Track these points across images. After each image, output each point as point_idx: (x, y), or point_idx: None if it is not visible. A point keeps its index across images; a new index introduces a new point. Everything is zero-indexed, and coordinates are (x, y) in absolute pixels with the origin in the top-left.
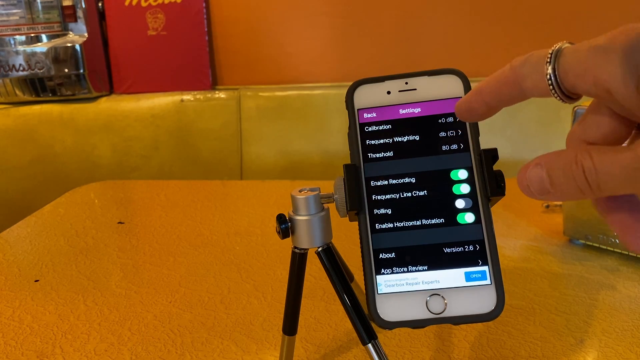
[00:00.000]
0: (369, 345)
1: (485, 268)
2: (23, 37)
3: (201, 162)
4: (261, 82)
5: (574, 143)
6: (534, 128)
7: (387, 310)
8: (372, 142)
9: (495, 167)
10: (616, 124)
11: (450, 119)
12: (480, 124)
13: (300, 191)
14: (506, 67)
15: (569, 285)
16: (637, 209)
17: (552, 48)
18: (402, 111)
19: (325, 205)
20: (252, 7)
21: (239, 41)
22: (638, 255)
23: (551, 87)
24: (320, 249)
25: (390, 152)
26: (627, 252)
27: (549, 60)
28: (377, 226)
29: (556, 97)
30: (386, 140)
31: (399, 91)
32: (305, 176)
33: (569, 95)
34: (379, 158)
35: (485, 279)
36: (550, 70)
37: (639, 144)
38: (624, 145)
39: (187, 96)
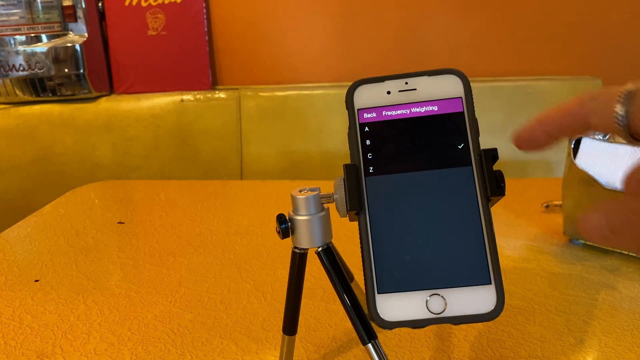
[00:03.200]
0: (369, 345)
1: (485, 268)
2: (23, 37)
3: (201, 162)
4: (261, 82)
5: (634, 183)
6: None
7: (387, 310)
8: (372, 142)
9: (495, 167)
10: None
11: (450, 119)
12: (480, 123)
13: (300, 191)
14: (572, 99)
15: (569, 285)
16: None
17: (624, 88)
18: (402, 111)
19: (325, 205)
20: (252, 7)
21: (239, 41)
22: (638, 256)
23: (619, 127)
24: (320, 249)
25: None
26: (627, 252)
27: (621, 100)
28: None
29: (621, 137)
30: (386, 140)
31: (399, 91)
32: (305, 176)
33: (635, 138)
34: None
35: (485, 279)
36: (621, 111)
37: None
38: None
39: (187, 96)
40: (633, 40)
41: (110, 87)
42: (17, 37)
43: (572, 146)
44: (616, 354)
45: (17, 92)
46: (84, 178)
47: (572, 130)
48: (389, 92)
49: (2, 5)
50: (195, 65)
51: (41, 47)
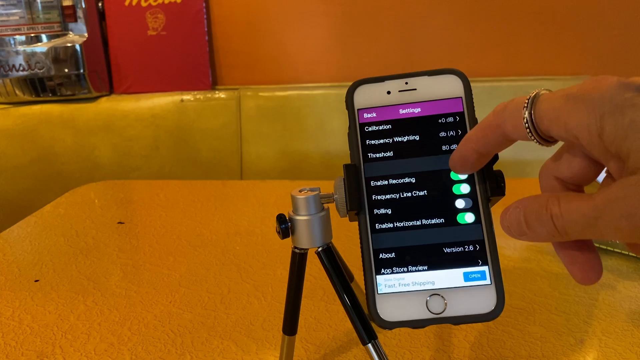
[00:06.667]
0: (369, 345)
1: (485, 268)
2: (23, 37)
3: (201, 162)
4: (261, 82)
5: (545, 177)
6: None
7: (387, 310)
8: (372, 142)
9: (495, 167)
10: (586, 165)
11: (450, 119)
12: None
13: (300, 191)
14: (490, 113)
15: (569, 285)
16: (586, 247)
17: (530, 94)
18: (402, 111)
19: (325, 205)
20: (252, 7)
21: (239, 41)
22: (638, 256)
23: (528, 130)
24: (320, 249)
25: (390, 152)
26: (627, 252)
27: (526, 105)
28: (377, 226)
29: (534, 141)
30: (386, 140)
31: (399, 91)
32: (305, 176)
33: (545, 139)
34: (379, 158)
35: (485, 279)
36: (527, 115)
37: (598, 194)
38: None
39: (187, 96)
40: (633, 40)
41: (110, 87)
42: (17, 37)
43: None
44: (616, 354)
45: (17, 92)
46: (84, 178)
47: (495, 142)
48: (389, 92)
49: (2, 5)
50: (195, 65)
51: (41, 47)
